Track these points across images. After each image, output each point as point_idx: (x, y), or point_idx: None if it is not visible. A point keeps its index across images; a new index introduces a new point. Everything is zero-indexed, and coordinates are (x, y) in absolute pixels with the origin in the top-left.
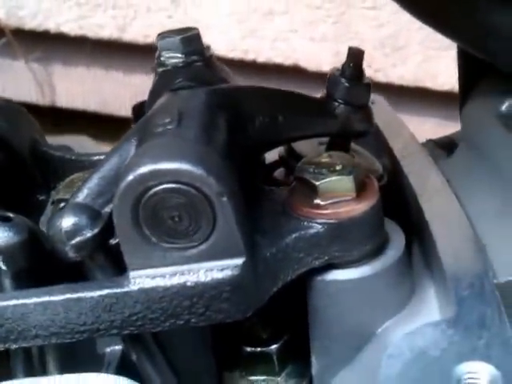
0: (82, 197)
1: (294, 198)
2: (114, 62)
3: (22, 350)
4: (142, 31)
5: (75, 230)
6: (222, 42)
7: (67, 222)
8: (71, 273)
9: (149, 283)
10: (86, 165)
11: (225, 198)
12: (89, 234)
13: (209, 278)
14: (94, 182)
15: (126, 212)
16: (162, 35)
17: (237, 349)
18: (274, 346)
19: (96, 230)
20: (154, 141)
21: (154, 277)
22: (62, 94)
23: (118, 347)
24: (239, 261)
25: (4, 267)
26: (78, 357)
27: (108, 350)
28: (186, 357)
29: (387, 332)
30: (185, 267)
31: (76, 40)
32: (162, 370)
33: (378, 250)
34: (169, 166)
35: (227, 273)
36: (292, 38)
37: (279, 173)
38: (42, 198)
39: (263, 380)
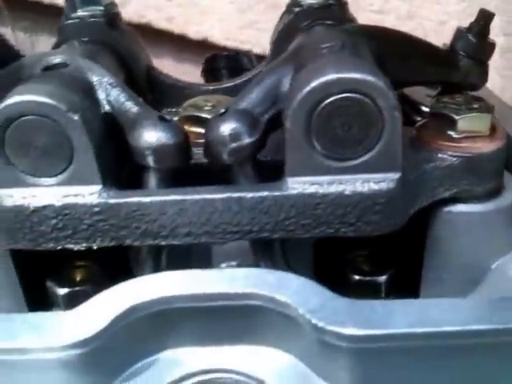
0: (242, 105)
1: (426, 132)
2: None
3: (152, 253)
4: (138, 11)
5: (235, 135)
6: (217, 30)
7: (229, 126)
8: (212, 180)
9: (307, 189)
10: (194, 93)
11: (397, 113)
12: (247, 140)
13: (366, 189)
14: (254, 93)
15: (301, 117)
16: None
17: (343, 277)
18: (383, 276)
19: (254, 138)
20: (330, 56)
21: (312, 183)
22: None
23: (234, 263)
24: (395, 175)
25: (154, 165)
26: None
27: (223, 266)
28: None
29: (502, 268)
30: (343, 177)
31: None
32: None
33: (497, 190)
34: (352, 75)
35: (383, 185)
36: None
37: None
38: None
39: None
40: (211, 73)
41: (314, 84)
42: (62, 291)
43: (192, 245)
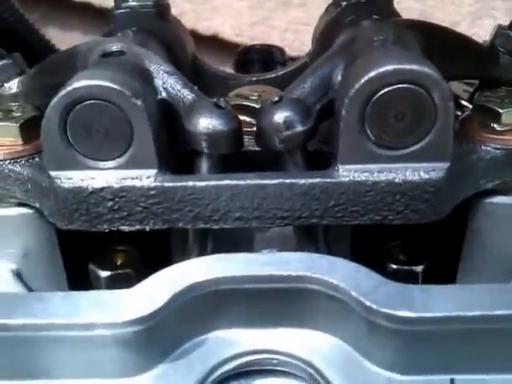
0: (296, 93)
1: (470, 125)
2: None
3: (198, 239)
4: None
5: (289, 123)
6: (228, 26)
7: (283, 114)
8: (259, 167)
9: (359, 176)
10: (237, 83)
11: (451, 104)
12: (300, 128)
13: (416, 177)
14: (307, 83)
15: (357, 106)
16: None
17: (379, 265)
18: (420, 266)
19: (306, 126)
20: (384, 48)
21: (362, 171)
22: None
23: (275, 250)
24: (445, 165)
25: (208, 151)
26: None
27: (264, 252)
28: None
29: None
30: (393, 165)
31: (78, 6)
32: None
33: None
34: (410, 67)
35: (433, 175)
36: (304, 31)
37: None
38: None
39: None
40: (243, 65)
41: (372, 74)
42: (104, 274)
43: (234, 231)
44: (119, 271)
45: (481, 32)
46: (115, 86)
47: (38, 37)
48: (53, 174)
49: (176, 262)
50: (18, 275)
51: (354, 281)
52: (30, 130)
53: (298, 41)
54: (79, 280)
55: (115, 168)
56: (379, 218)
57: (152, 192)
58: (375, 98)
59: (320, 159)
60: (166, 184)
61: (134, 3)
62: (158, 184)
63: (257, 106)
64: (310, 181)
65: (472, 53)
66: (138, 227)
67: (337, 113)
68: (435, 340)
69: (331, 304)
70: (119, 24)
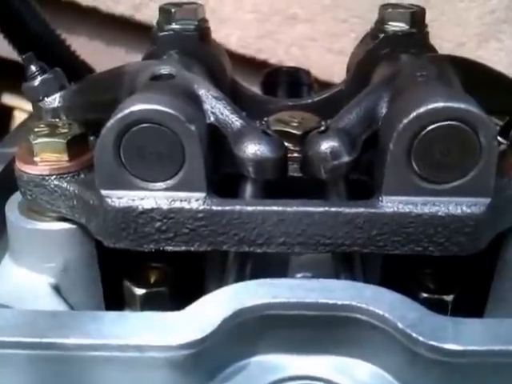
0: (342, 124)
1: (504, 160)
2: (119, 39)
3: (239, 258)
4: (156, 14)
5: (336, 153)
6: (235, 38)
7: (330, 144)
8: (301, 193)
9: (403, 208)
10: (273, 107)
11: (495, 143)
12: (346, 158)
13: (459, 211)
14: (353, 113)
15: (405, 140)
16: (386, 7)
17: (409, 293)
18: (450, 296)
19: (352, 157)
20: (430, 84)
21: (406, 203)
22: None
23: (308, 274)
24: (486, 200)
25: (254, 176)
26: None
27: (298, 276)
28: None
29: None
30: (437, 198)
31: (86, 11)
32: None
33: None
34: (459, 105)
35: (475, 209)
36: (309, 46)
37: None
38: None
39: None
40: (270, 86)
41: (421, 110)
42: (140, 291)
43: (269, 254)
44: (154, 289)
45: (487, 55)
46: (171, 111)
47: (65, 47)
48: (103, 192)
49: (209, 281)
50: (57, 289)
51: (400, 312)
52: (75, 146)
53: (303, 56)
54: (114, 296)
55: (165, 190)
56: (420, 249)
57: (200, 215)
58: (423, 133)
59: (358, 187)
60: (214, 207)
61: (177, 26)
62: (207, 207)
63: (297, 133)
64: (355, 210)
65: (504, 87)
66: (183, 248)
67: (381, 145)
68: (476, 371)
69: (374, 333)
70: (162, 45)
